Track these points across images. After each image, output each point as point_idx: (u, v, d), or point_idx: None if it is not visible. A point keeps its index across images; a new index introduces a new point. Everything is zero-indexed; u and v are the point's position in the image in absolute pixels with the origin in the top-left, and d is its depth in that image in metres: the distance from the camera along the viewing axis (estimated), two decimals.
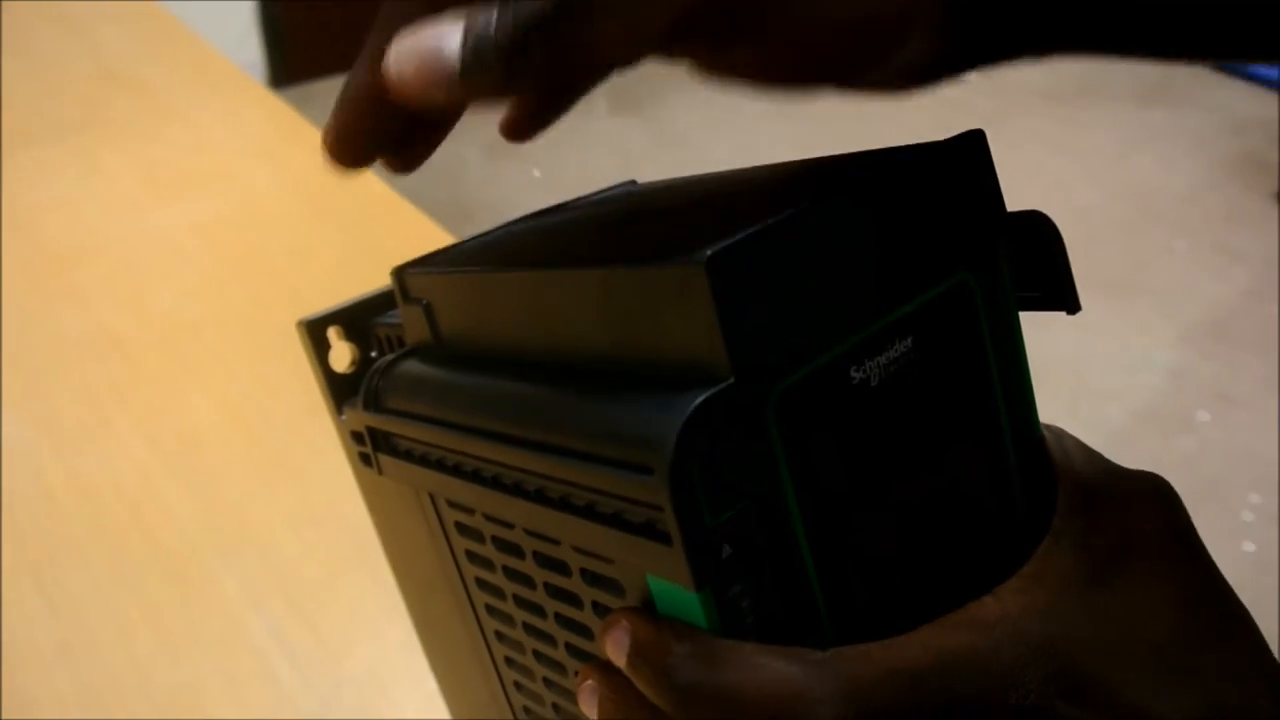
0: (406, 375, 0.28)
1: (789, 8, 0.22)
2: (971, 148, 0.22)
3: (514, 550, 0.25)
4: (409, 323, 0.29)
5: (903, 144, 0.22)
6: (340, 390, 0.33)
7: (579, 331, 0.22)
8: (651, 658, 0.20)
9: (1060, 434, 0.23)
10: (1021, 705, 0.19)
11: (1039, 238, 0.23)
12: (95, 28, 1.13)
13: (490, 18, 0.20)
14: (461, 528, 0.28)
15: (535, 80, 0.20)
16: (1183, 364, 1.68)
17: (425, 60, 0.20)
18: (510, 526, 0.25)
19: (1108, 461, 0.22)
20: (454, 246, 0.30)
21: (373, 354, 0.33)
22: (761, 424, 0.19)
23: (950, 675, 0.19)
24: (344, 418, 0.32)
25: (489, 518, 0.26)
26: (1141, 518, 0.21)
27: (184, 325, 0.72)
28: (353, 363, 0.33)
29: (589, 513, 0.21)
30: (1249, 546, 1.36)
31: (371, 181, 0.87)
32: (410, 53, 0.20)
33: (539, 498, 0.22)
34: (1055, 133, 2.27)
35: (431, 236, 0.79)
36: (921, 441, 0.22)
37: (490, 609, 0.29)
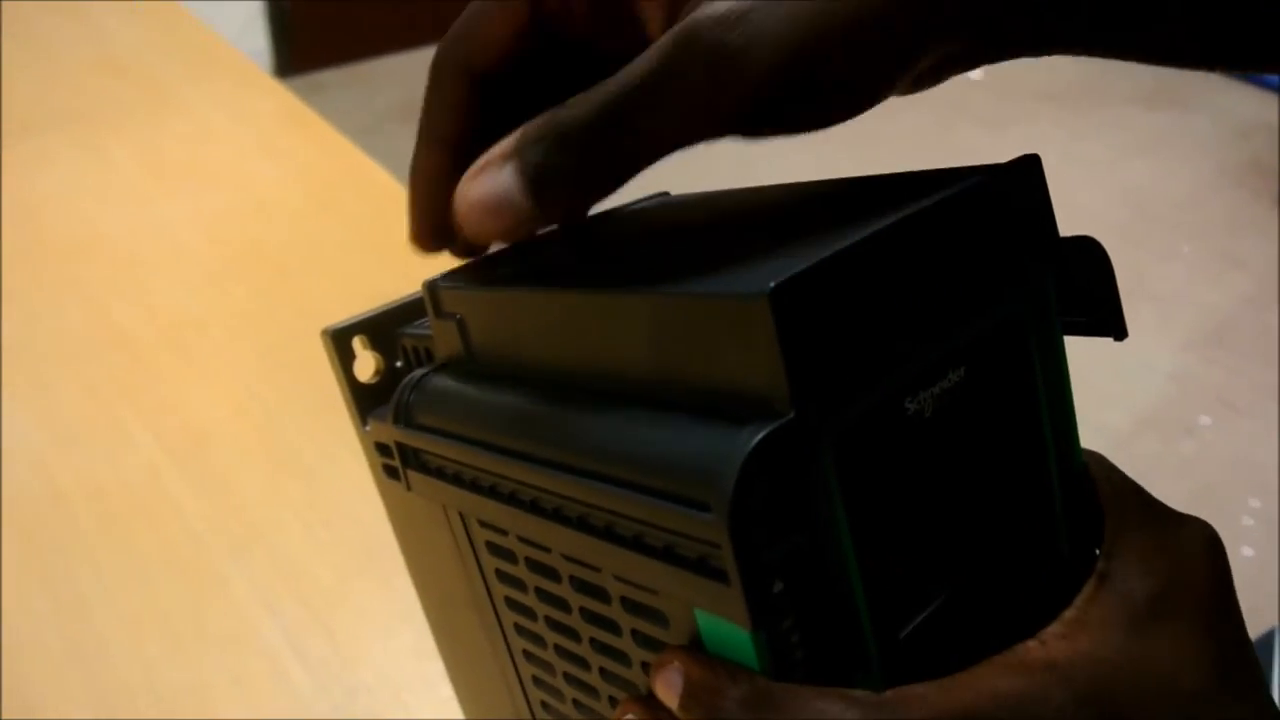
0: (440, 391, 0.27)
1: (844, 69, 0.20)
2: (1027, 171, 0.21)
3: (549, 574, 0.25)
4: (440, 337, 0.28)
5: (955, 166, 0.22)
6: (364, 400, 0.32)
7: (625, 356, 0.21)
8: (705, 701, 0.19)
9: (1108, 467, 0.23)
10: None
11: (1091, 264, 0.22)
12: (98, 15, 1.12)
13: (540, 146, 0.21)
14: (493, 547, 0.27)
15: (600, 188, 0.21)
16: (1184, 370, 1.68)
17: (492, 208, 0.21)
18: (547, 550, 0.24)
19: (1155, 501, 0.22)
20: (486, 258, 0.29)
21: (398, 364, 0.33)
22: (819, 458, 0.18)
23: (1002, 718, 0.19)
24: (369, 429, 0.32)
25: (524, 540, 0.25)
26: (1188, 569, 0.21)
27: (190, 320, 0.71)
28: (377, 372, 0.33)
29: (636, 544, 0.20)
30: (1248, 552, 1.37)
31: (378, 174, 0.86)
32: (478, 206, 0.22)
33: (581, 525, 0.22)
34: (1057, 136, 2.27)
35: None
36: (971, 475, 0.21)
37: (519, 628, 0.28)
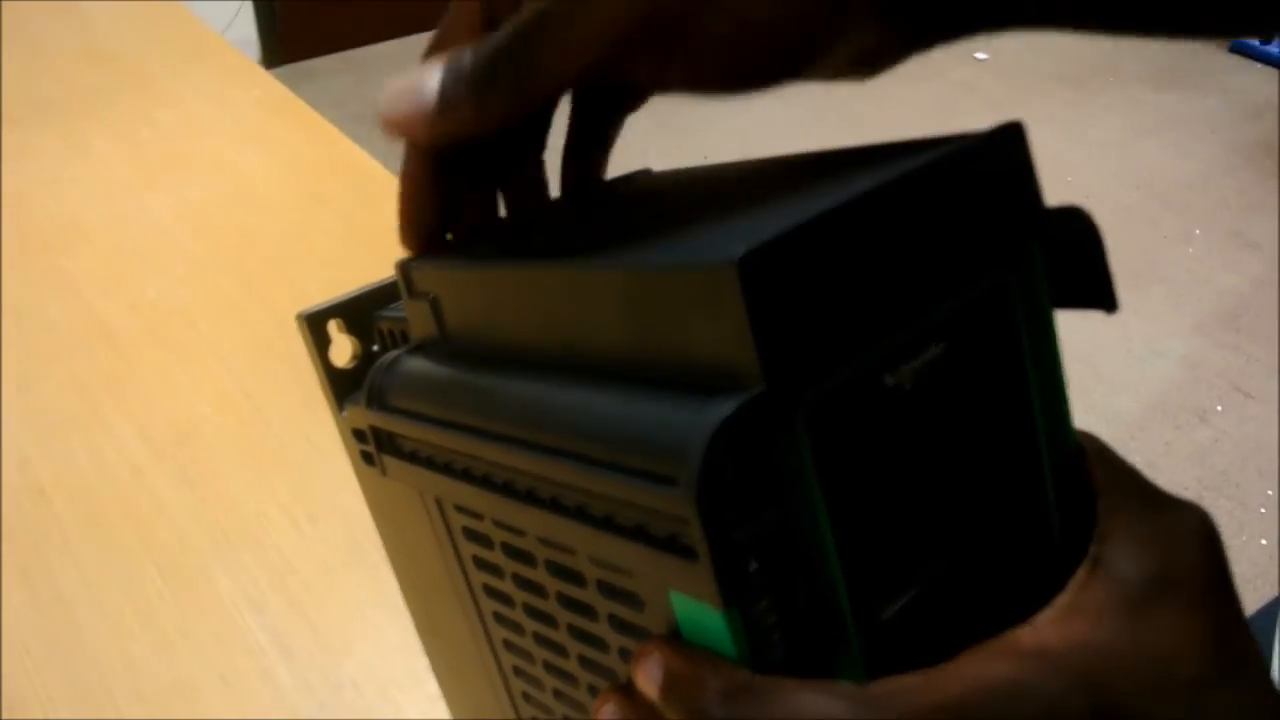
0: (412, 373, 0.27)
1: (717, 16, 0.22)
2: (1009, 140, 0.21)
3: (525, 558, 0.24)
4: (414, 318, 0.27)
5: (934, 135, 0.21)
6: (341, 385, 0.32)
7: (597, 332, 0.21)
8: (685, 693, 0.19)
9: (1101, 448, 0.23)
10: None
11: (1078, 236, 0.22)
12: (83, 4, 1.11)
13: (462, 54, 0.23)
14: (469, 533, 0.26)
15: (503, 105, 0.23)
16: (1196, 354, 1.66)
17: (407, 99, 0.23)
18: (522, 534, 0.23)
19: (1150, 485, 0.22)
20: (459, 238, 0.28)
21: (375, 348, 0.32)
22: (792, 433, 0.18)
23: (993, 710, 0.18)
24: (345, 414, 0.31)
25: (499, 524, 0.24)
26: (1182, 553, 0.20)
27: (175, 313, 0.70)
28: (354, 357, 0.32)
29: (608, 524, 0.20)
30: (1264, 541, 1.34)
31: (368, 164, 0.85)
32: (396, 93, 0.24)
33: (554, 506, 0.21)
34: (1066, 117, 2.24)
35: None
36: (956, 453, 0.21)
37: (498, 617, 0.27)
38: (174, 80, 0.97)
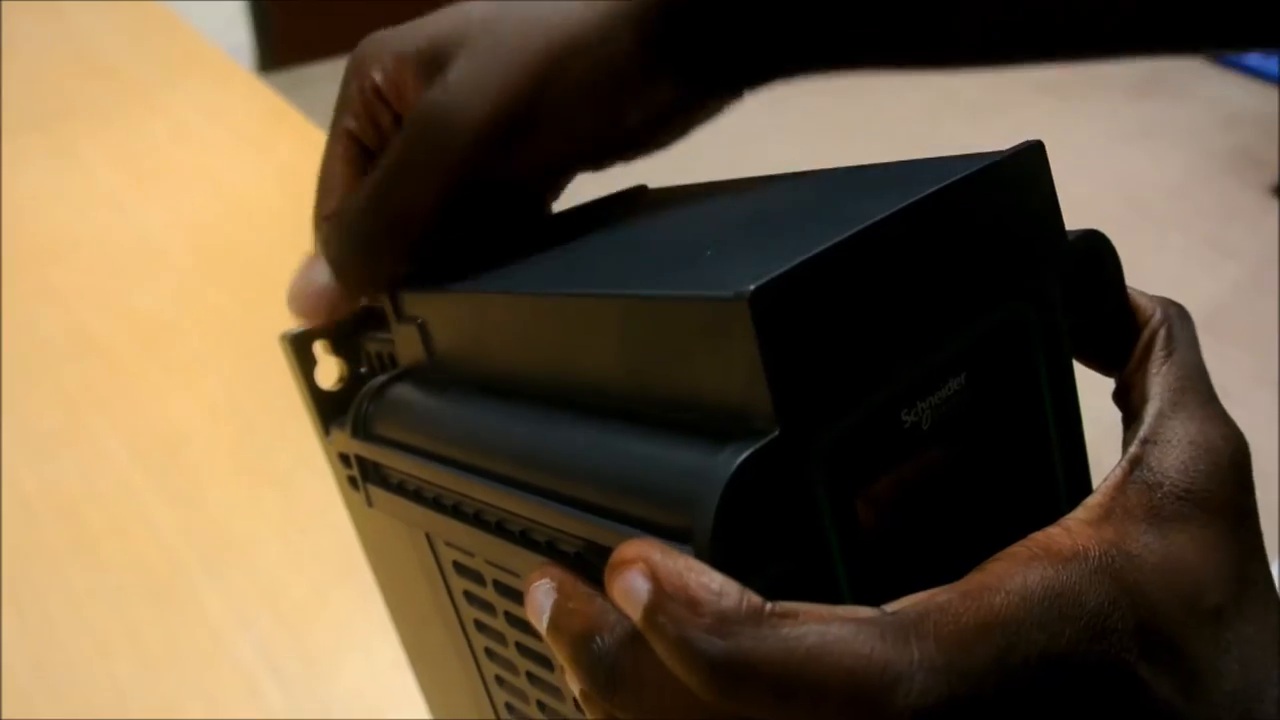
0: (400, 401, 0.26)
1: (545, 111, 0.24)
2: (1030, 160, 0.20)
3: (519, 599, 0.23)
4: (402, 342, 0.27)
5: (946, 155, 0.20)
6: (328, 408, 0.31)
7: (594, 362, 0.20)
8: (678, 617, 0.15)
9: (1185, 339, 0.20)
10: (1106, 659, 0.16)
11: (1095, 261, 0.21)
12: (74, 13, 1.10)
13: (335, 240, 0.27)
14: (460, 568, 0.26)
15: (390, 262, 0.26)
16: None
17: (313, 298, 0.28)
18: (515, 575, 0.23)
19: (1208, 388, 0.20)
20: (451, 257, 0.27)
21: (362, 370, 0.31)
22: (806, 477, 0.17)
23: (1043, 624, 0.16)
24: (331, 438, 0.31)
25: (492, 562, 0.24)
26: (1221, 475, 0.19)
27: (165, 326, 0.70)
28: (341, 379, 0.32)
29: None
30: None
31: None
32: (296, 293, 0.28)
33: (551, 550, 0.21)
34: (1046, 124, 2.26)
35: None
36: (974, 491, 0.20)
37: (490, 653, 0.27)
38: (166, 89, 0.97)
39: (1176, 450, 0.19)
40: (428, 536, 0.27)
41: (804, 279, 0.16)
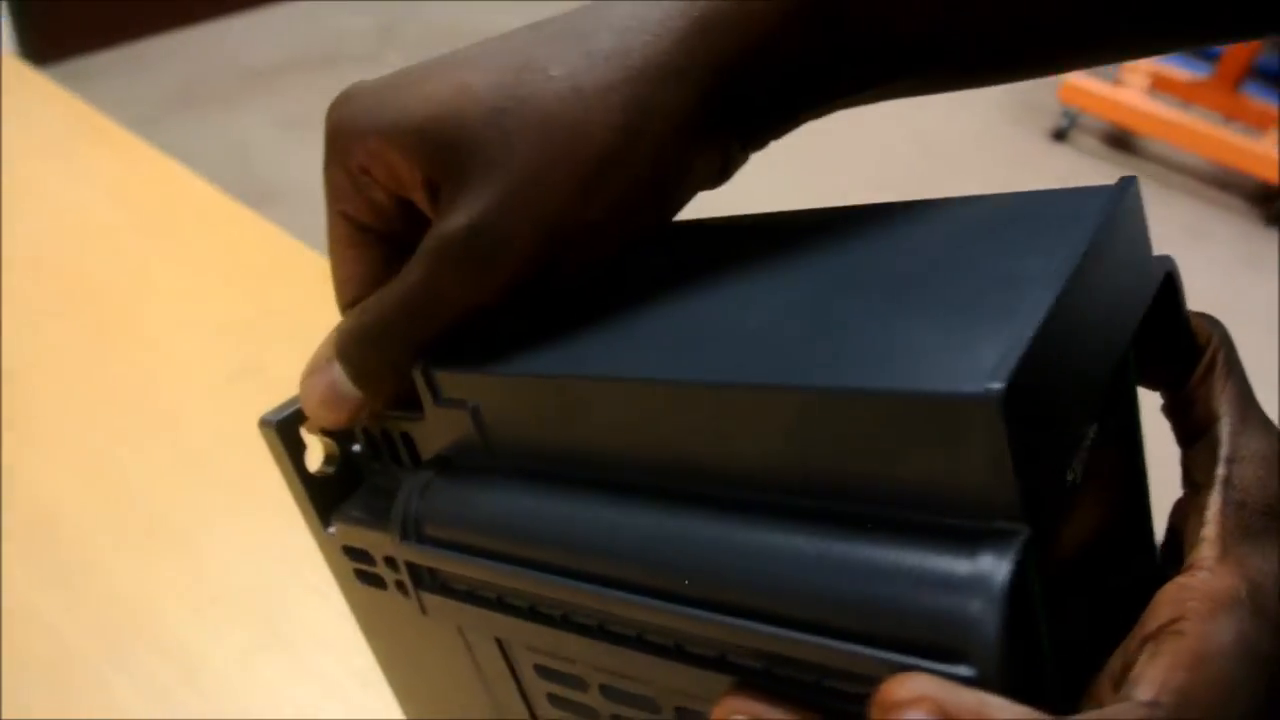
0: (460, 498, 0.23)
1: (593, 209, 0.22)
2: (1129, 195, 0.19)
3: (644, 705, 0.22)
4: (439, 427, 0.24)
5: (1038, 189, 0.20)
6: (320, 494, 0.28)
7: (750, 453, 0.18)
8: None
9: (1233, 361, 0.21)
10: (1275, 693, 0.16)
11: (1171, 286, 0.20)
12: None
13: (357, 347, 0.25)
14: (546, 671, 0.24)
15: (396, 378, 0.24)
16: None
17: (333, 403, 0.25)
18: (646, 682, 0.21)
19: (1255, 405, 0.21)
20: (485, 326, 0.23)
21: (355, 448, 0.28)
22: (1050, 573, 0.16)
23: (1248, 681, 0.16)
24: (333, 531, 0.28)
25: (602, 668, 0.22)
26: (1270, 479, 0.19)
27: (16, 375, 0.61)
28: (329, 459, 0.29)
29: (823, 694, 0.17)
30: None
31: (178, 172, 0.77)
32: (319, 403, 0.26)
33: (721, 665, 0.19)
34: None
35: (286, 246, 0.71)
36: (1104, 533, 0.20)
37: None
38: None
39: (1252, 466, 0.19)
40: (498, 640, 0.25)
41: (1032, 363, 0.15)
